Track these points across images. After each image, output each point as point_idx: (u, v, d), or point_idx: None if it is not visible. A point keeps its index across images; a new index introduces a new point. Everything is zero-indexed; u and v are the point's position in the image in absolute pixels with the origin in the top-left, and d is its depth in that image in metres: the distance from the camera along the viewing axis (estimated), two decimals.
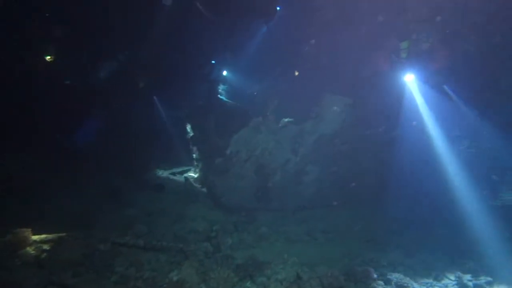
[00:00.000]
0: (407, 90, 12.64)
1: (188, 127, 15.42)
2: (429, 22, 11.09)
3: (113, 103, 15.47)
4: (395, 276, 8.81)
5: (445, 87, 11.87)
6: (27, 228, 8.17)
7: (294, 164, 12.61)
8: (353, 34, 12.94)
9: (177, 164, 16.66)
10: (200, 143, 14.68)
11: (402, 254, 10.26)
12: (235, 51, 16.84)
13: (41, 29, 12.89)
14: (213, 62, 17.10)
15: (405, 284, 8.55)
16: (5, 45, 12.16)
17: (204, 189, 13.33)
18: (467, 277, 9.13)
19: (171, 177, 15.20)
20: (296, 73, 14.56)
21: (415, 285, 8.62)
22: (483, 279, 9.08)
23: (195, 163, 15.42)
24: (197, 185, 13.96)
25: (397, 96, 12.62)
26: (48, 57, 13.54)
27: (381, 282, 8.54)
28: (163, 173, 15.55)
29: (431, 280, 8.99)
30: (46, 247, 8.14)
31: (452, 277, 9.16)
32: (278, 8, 13.39)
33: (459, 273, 9.28)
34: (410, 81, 12.56)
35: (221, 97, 16.73)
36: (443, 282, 9.00)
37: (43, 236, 8.43)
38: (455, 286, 8.89)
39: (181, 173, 15.70)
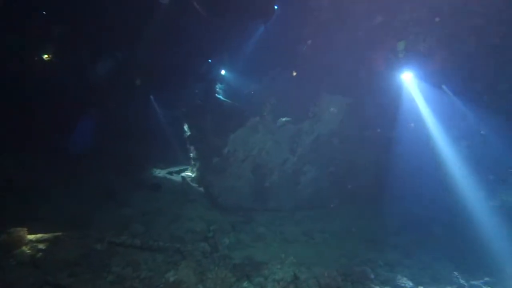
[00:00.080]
0: (406, 89, 12.65)
1: (186, 126, 15.37)
2: (427, 23, 11.09)
3: (110, 102, 15.42)
4: (392, 277, 8.80)
5: (444, 87, 11.89)
6: (23, 228, 8.10)
7: (292, 164, 12.59)
8: (351, 34, 12.95)
9: (174, 163, 16.60)
10: (197, 143, 14.64)
11: (400, 254, 10.25)
12: (232, 50, 16.82)
13: (39, 28, 12.83)
14: (209, 61, 17.08)
15: (403, 285, 8.55)
16: (4, 44, 12.10)
17: (201, 189, 13.28)
18: (465, 277, 9.14)
19: (168, 176, 15.13)
20: (294, 74, 14.54)
21: (412, 285, 8.60)
22: (481, 280, 9.08)
23: (192, 163, 15.37)
24: (194, 184, 13.92)
25: (395, 96, 12.63)
26: (46, 56, 13.48)
27: (378, 282, 8.53)
28: (160, 173, 15.47)
29: (428, 281, 8.97)
30: (42, 246, 8.06)
31: (450, 277, 9.15)
32: (276, 7, 13.38)
33: (457, 273, 9.28)
34: (409, 80, 12.57)
35: (218, 96, 16.69)
36: (441, 282, 8.99)
37: (39, 235, 8.35)
38: (453, 286, 8.88)
39: (178, 172, 15.64)
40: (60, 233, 8.60)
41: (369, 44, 12.75)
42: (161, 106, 18.75)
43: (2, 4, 11.67)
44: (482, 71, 11.19)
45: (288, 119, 12.75)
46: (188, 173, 15.33)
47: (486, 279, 9.13)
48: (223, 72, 17.94)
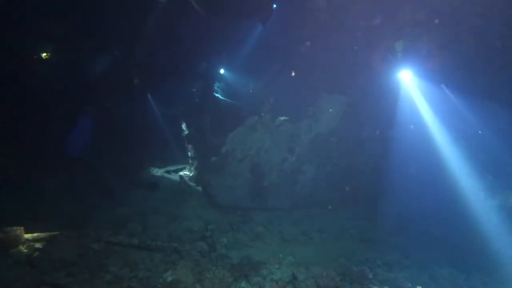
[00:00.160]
0: (405, 89, 12.65)
1: (184, 125, 15.32)
2: (427, 23, 11.07)
3: (108, 101, 15.38)
4: (391, 277, 8.79)
5: (443, 87, 11.88)
6: (19, 227, 8.04)
7: (290, 163, 12.56)
8: (350, 34, 12.92)
9: (172, 162, 16.55)
10: (196, 141, 14.60)
11: (399, 254, 10.24)
12: (231, 49, 16.77)
13: (37, 27, 12.76)
14: (208, 60, 17.03)
15: (401, 284, 8.54)
16: (2, 43, 12.05)
17: (199, 188, 13.24)
18: (463, 277, 9.15)
19: (166, 175, 15.08)
20: (293, 74, 14.50)
21: (410, 285, 8.59)
22: (479, 280, 9.09)
23: (190, 161, 15.32)
24: (192, 183, 13.87)
25: (394, 96, 12.62)
26: (45, 54, 13.43)
27: (377, 282, 8.52)
28: (158, 171, 15.42)
29: (427, 280, 8.97)
30: (38, 246, 8.03)
31: (449, 277, 9.15)
32: (274, 6, 13.32)
33: (456, 273, 9.28)
34: (408, 80, 12.57)
35: (217, 95, 16.65)
36: (439, 282, 8.98)
37: (35, 234, 8.31)
38: (452, 286, 8.88)
39: (176, 171, 15.59)
40: (57, 232, 8.56)
41: (368, 44, 12.73)
42: (159, 105, 18.71)
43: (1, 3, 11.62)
44: (481, 71, 11.18)
45: (286, 118, 12.71)
46: (186, 172, 15.28)
47: (485, 279, 9.14)
48: (222, 71, 17.89)
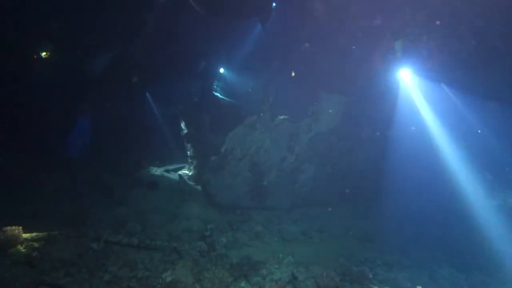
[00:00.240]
0: (405, 89, 12.63)
1: (183, 124, 15.27)
2: (427, 24, 11.04)
3: (106, 100, 15.32)
4: (391, 276, 8.77)
5: (444, 86, 11.86)
6: (18, 226, 7.99)
7: (290, 162, 12.53)
8: (349, 34, 12.89)
9: (171, 161, 16.49)
10: (195, 141, 14.55)
11: (399, 254, 10.23)
12: (230, 48, 16.73)
13: (37, 25, 12.70)
14: (207, 59, 16.99)
15: (401, 284, 8.52)
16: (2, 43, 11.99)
17: (199, 187, 13.20)
18: (463, 277, 9.14)
19: (165, 174, 15.02)
20: (293, 74, 14.47)
21: (410, 285, 8.57)
22: (479, 279, 9.08)
23: (190, 161, 15.28)
24: (191, 183, 13.83)
25: (394, 95, 12.60)
26: (44, 53, 13.36)
27: (376, 282, 8.50)
28: (157, 171, 15.36)
29: (427, 280, 8.95)
30: (37, 245, 7.97)
31: (449, 277, 9.14)
32: (274, 4, 13.28)
33: (455, 273, 9.27)
34: (408, 79, 12.55)
35: (216, 94, 16.61)
36: (439, 281, 8.97)
37: (34, 234, 8.26)
38: (452, 286, 8.87)
39: (175, 170, 15.53)
40: (56, 232, 8.51)
41: (368, 44, 12.70)
42: (158, 104, 18.67)
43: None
44: (481, 71, 11.17)
45: (286, 117, 12.68)
46: (185, 171, 15.23)
47: (485, 279, 9.13)
48: (221, 70, 17.85)
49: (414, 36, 11.47)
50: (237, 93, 17.38)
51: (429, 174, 11.96)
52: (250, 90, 17.54)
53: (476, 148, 12.06)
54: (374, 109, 12.92)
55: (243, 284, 7.96)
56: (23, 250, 7.73)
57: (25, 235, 8.07)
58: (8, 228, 7.82)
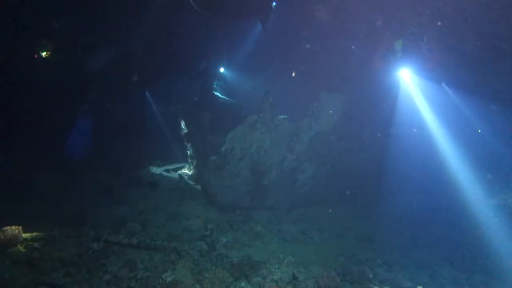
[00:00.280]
0: (405, 88, 12.63)
1: (183, 123, 15.26)
2: (427, 24, 11.03)
3: (106, 99, 15.31)
4: (391, 276, 8.76)
5: (444, 85, 11.86)
6: (17, 226, 7.99)
7: (290, 162, 12.52)
8: (350, 33, 12.89)
9: (171, 160, 16.49)
10: (195, 140, 14.53)
11: (399, 253, 10.21)
12: (231, 47, 16.73)
13: (37, 24, 12.69)
14: (207, 58, 16.98)
15: (401, 284, 8.50)
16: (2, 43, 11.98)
17: (199, 187, 13.19)
18: (463, 277, 9.12)
19: (165, 174, 15.02)
20: (293, 74, 14.47)
21: (410, 285, 8.56)
22: (479, 279, 9.06)
23: (190, 160, 15.27)
24: (191, 182, 13.82)
25: (394, 95, 12.60)
26: (44, 53, 13.34)
27: (377, 282, 8.49)
28: (157, 170, 15.35)
29: (427, 280, 8.94)
30: (37, 245, 7.98)
31: (449, 277, 9.13)
32: (274, 4, 13.28)
33: (455, 273, 9.26)
34: (408, 79, 12.54)
35: (216, 93, 16.59)
36: (439, 281, 8.96)
37: (34, 234, 8.27)
38: (452, 286, 8.85)
39: (175, 170, 15.53)
40: (55, 232, 8.50)
41: (369, 44, 12.70)
42: (158, 103, 18.65)
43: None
44: (482, 71, 11.16)
45: (286, 117, 12.67)
46: (185, 171, 15.23)
47: (485, 279, 9.11)
48: (222, 69, 17.84)
49: (414, 36, 11.46)
50: (237, 92, 17.37)
51: (429, 174, 11.96)
52: (250, 89, 17.53)
53: (476, 148, 12.06)
54: (374, 109, 12.91)
55: (243, 284, 7.94)
56: (23, 250, 7.74)
57: (25, 235, 8.07)
58: (8, 228, 7.82)
